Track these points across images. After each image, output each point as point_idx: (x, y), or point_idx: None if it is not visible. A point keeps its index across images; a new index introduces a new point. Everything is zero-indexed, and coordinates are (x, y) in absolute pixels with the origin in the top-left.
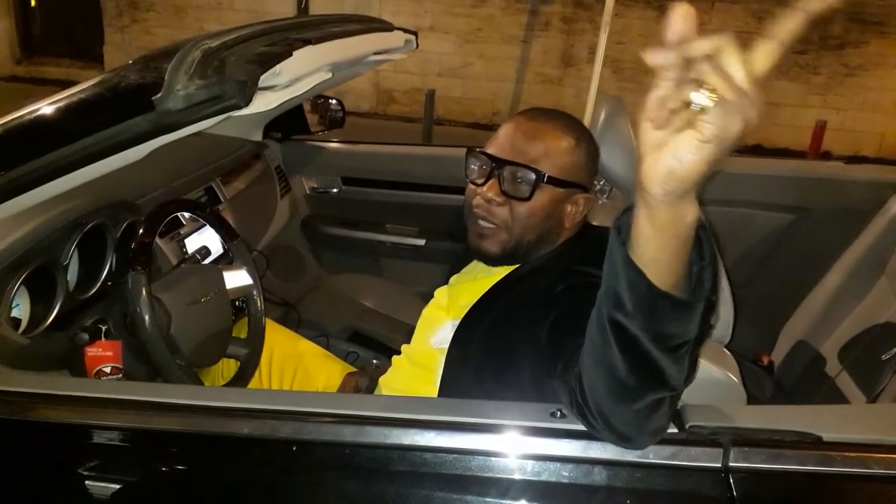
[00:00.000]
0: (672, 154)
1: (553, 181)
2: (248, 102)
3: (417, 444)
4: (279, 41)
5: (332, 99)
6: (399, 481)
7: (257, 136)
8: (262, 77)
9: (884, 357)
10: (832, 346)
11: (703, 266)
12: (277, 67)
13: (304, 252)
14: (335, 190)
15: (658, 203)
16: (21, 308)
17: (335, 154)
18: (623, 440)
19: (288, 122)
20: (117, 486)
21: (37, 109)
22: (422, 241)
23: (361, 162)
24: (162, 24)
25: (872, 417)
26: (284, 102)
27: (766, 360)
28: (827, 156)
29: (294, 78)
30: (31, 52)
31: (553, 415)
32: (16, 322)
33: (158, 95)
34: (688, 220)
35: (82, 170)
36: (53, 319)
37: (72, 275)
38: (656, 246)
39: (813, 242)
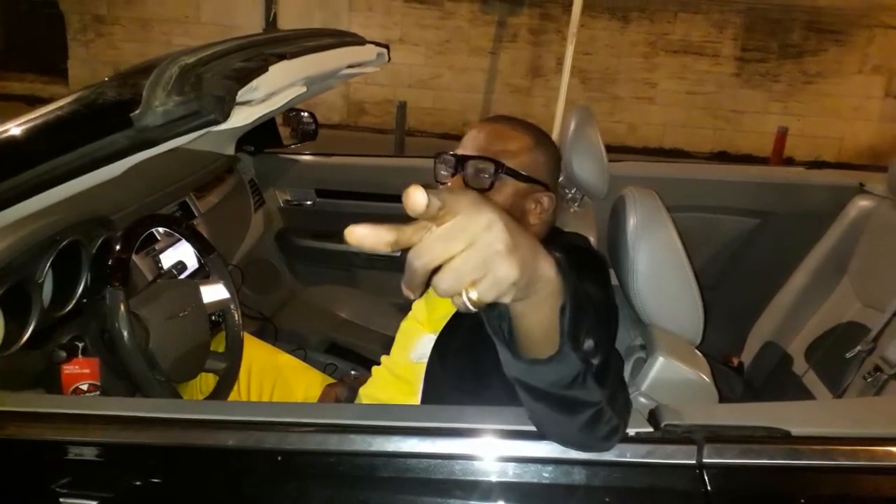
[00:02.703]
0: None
1: (512, 173)
2: (226, 118)
3: (401, 450)
4: (254, 56)
5: (303, 112)
6: (383, 487)
7: (230, 150)
8: (239, 92)
9: (847, 355)
10: (799, 346)
11: (565, 317)
12: (254, 82)
13: (279, 265)
14: (309, 202)
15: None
16: None
17: (308, 166)
18: (584, 448)
19: (260, 136)
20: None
21: (14, 127)
22: (396, 252)
23: (335, 174)
24: (128, 39)
25: (837, 412)
26: (260, 117)
27: (735, 362)
28: (789, 161)
29: (270, 92)
30: None
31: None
32: None
33: (136, 112)
34: (546, 289)
35: (60, 186)
36: (28, 337)
37: (46, 292)
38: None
39: (777, 245)
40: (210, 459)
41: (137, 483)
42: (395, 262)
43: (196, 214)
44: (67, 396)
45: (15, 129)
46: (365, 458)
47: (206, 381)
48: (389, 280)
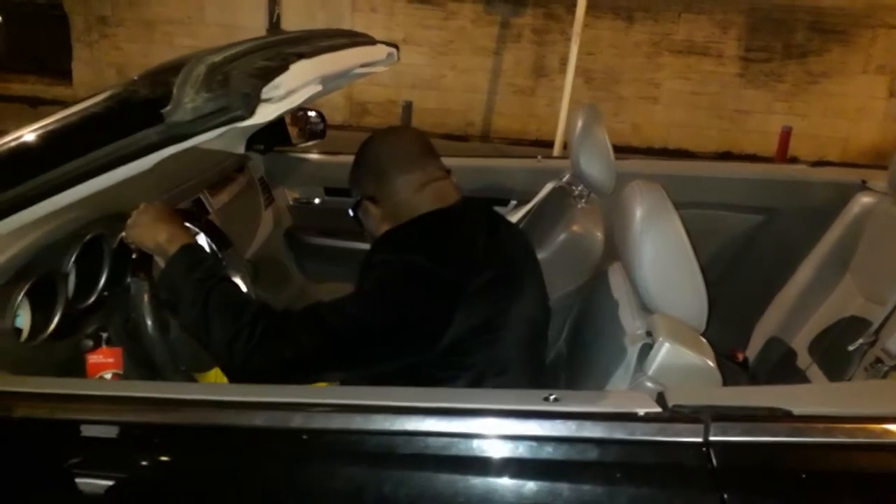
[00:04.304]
0: None
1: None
2: (252, 114)
3: (422, 429)
4: (276, 55)
5: (311, 111)
6: (404, 465)
7: (240, 149)
8: (263, 90)
9: (850, 348)
10: (803, 341)
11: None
12: (276, 80)
13: (288, 262)
14: (317, 200)
15: None
16: (22, 318)
17: (317, 165)
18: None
19: (270, 135)
20: (131, 481)
21: (52, 123)
22: None
23: (343, 172)
24: (131, 40)
25: (836, 394)
26: (279, 114)
27: (740, 357)
28: (794, 161)
29: (290, 90)
30: None
31: (546, 399)
32: (17, 332)
33: (167, 108)
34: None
35: (94, 179)
36: (55, 328)
37: (70, 284)
38: None
39: (781, 242)
40: (238, 439)
41: (169, 462)
42: None
43: (210, 211)
44: (104, 380)
45: (53, 125)
46: (386, 437)
47: (219, 377)
48: None
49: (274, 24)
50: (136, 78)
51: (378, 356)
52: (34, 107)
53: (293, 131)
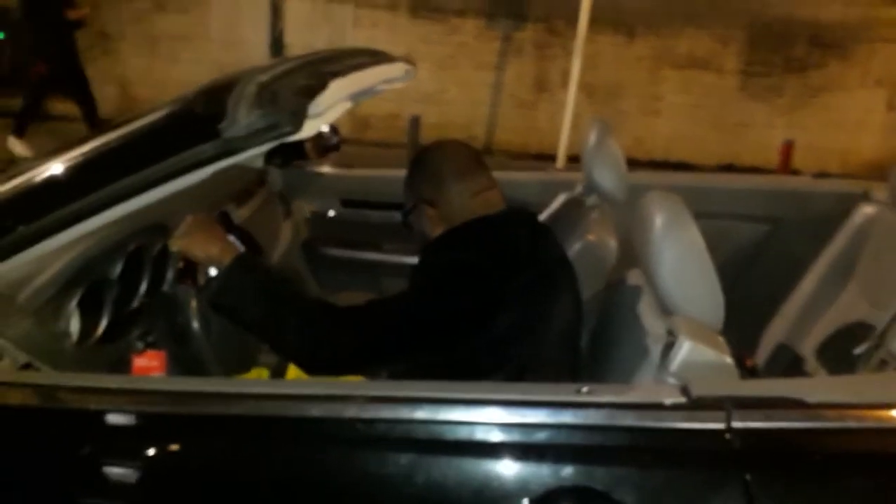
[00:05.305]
0: None
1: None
2: (299, 130)
3: (467, 419)
4: (314, 74)
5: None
6: (452, 452)
7: (259, 163)
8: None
9: (856, 352)
10: (810, 347)
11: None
12: (318, 98)
13: (306, 274)
14: (334, 213)
15: None
16: (72, 323)
17: (332, 178)
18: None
19: (287, 149)
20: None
21: (115, 137)
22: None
23: (358, 185)
24: (135, 55)
25: (845, 385)
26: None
27: (750, 363)
28: (796, 173)
29: (328, 107)
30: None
31: (579, 391)
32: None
33: (223, 124)
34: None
35: (150, 192)
36: (102, 333)
37: (115, 292)
38: None
39: (787, 251)
40: (295, 428)
41: (234, 449)
42: None
43: (235, 223)
44: (166, 377)
45: (116, 138)
46: (434, 426)
47: (261, 376)
48: None
49: (276, 40)
50: (189, 95)
51: (433, 345)
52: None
53: (308, 145)
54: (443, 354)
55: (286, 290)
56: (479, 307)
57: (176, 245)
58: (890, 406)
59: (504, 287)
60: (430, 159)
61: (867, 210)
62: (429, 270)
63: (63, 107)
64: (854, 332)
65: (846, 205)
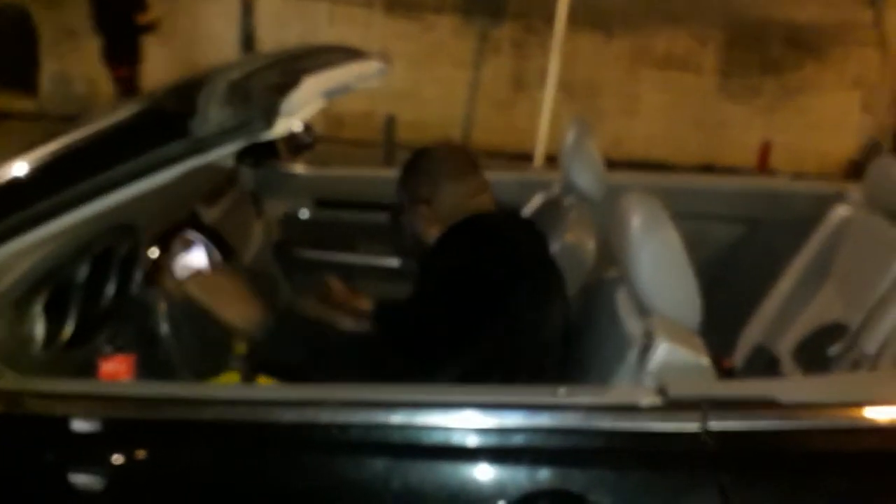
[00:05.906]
0: None
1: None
2: (272, 128)
3: (442, 424)
4: (286, 71)
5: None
6: (428, 456)
7: (230, 162)
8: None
9: (830, 353)
10: (787, 348)
11: None
12: (290, 96)
13: (278, 275)
14: (307, 213)
15: None
16: (37, 327)
17: (306, 178)
18: None
19: (259, 148)
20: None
21: (80, 136)
22: (395, 262)
23: (333, 185)
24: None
25: (819, 385)
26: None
27: (727, 365)
28: (772, 174)
29: (300, 105)
30: None
31: (555, 393)
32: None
33: (193, 122)
34: None
35: (118, 191)
36: (69, 337)
37: (81, 295)
38: None
39: (764, 251)
40: (270, 433)
41: (204, 456)
42: (391, 272)
43: (204, 224)
44: (134, 381)
45: (82, 138)
46: (411, 431)
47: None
48: (388, 290)
49: (248, 36)
50: (158, 93)
51: (492, 333)
52: None
53: (281, 144)
54: (468, 352)
55: (337, 341)
56: (489, 308)
57: (188, 289)
58: (863, 405)
59: (504, 291)
60: (426, 159)
61: (842, 211)
62: (438, 274)
63: (21, 104)
64: (829, 333)
65: (822, 205)
